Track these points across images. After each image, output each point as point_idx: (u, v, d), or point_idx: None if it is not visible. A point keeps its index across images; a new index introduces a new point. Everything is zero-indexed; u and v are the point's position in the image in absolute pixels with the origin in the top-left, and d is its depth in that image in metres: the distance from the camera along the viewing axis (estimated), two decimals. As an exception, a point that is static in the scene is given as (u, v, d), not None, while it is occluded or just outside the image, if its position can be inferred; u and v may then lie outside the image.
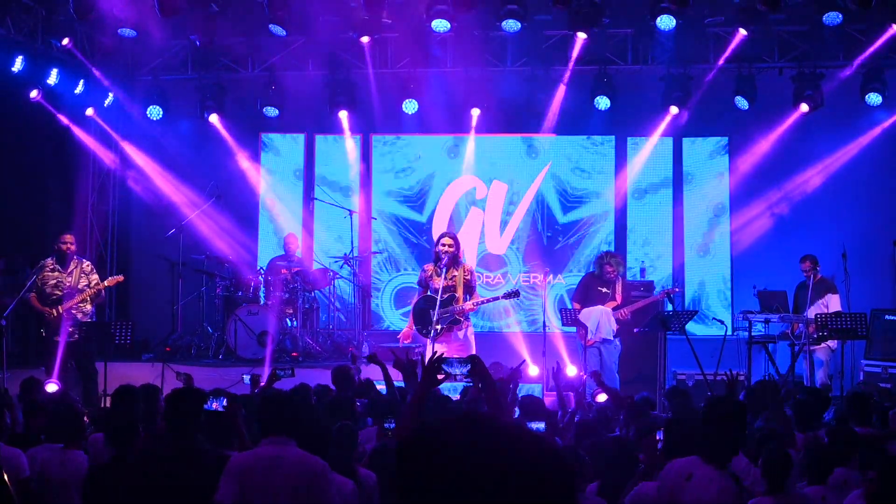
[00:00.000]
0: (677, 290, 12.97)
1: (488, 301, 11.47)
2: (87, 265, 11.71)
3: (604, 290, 12.41)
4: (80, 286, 11.42)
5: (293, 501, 5.12)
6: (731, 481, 5.07)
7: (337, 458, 5.81)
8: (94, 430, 7.27)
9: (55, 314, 11.21)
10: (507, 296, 11.44)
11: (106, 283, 11.72)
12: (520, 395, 8.90)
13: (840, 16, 12.69)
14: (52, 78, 13.54)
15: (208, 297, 14.47)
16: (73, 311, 11.30)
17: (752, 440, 6.46)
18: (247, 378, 10.56)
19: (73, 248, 11.55)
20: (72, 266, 11.49)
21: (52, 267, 11.42)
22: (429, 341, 11.02)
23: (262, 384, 9.86)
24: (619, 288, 12.48)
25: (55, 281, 11.36)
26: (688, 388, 11.10)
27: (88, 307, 11.53)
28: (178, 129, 15.70)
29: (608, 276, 12.42)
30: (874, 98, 13.88)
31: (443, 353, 5.28)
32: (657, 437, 6.10)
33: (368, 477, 5.99)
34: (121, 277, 12.11)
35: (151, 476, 5.36)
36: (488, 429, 1.99)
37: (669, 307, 12.46)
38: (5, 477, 5.74)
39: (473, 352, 11.23)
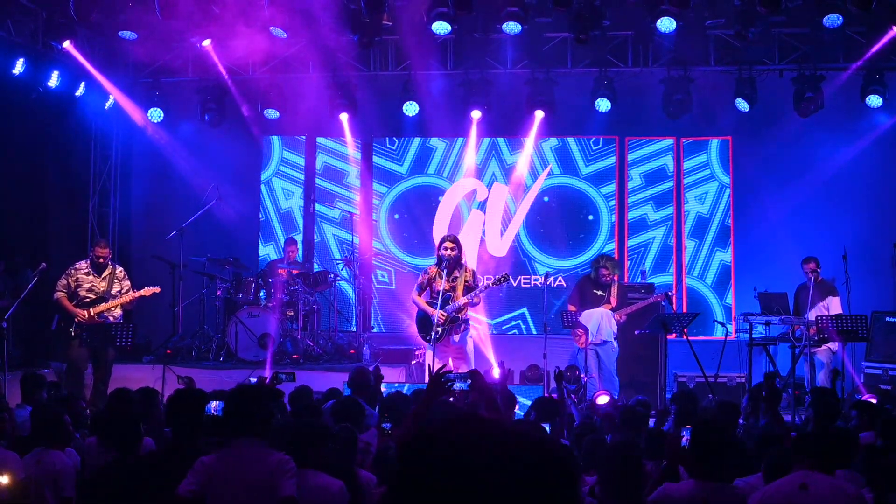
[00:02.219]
0: (671, 294, 12.95)
1: (481, 291, 11.42)
2: (121, 271, 12.06)
3: (599, 292, 12.42)
4: (113, 291, 11.75)
5: (253, 499, 5.13)
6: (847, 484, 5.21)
7: (335, 459, 5.81)
8: (90, 433, 7.28)
9: (87, 316, 11.44)
10: (497, 282, 11.46)
11: (142, 292, 11.89)
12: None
13: (840, 18, 12.69)
14: (53, 80, 13.54)
15: (209, 300, 14.46)
16: (106, 314, 11.64)
17: (751, 440, 6.47)
18: (253, 381, 10.55)
19: (106, 259, 11.88)
20: (106, 272, 11.80)
21: (86, 270, 11.73)
22: (428, 346, 11.12)
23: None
24: (614, 291, 12.49)
25: (89, 285, 11.68)
26: (691, 391, 11.05)
27: (118, 311, 11.86)
28: (179, 131, 15.72)
29: (604, 279, 12.43)
30: (874, 100, 13.88)
31: (445, 366, 5.29)
32: (682, 436, 6.12)
33: (369, 480, 5.98)
34: (157, 288, 12.20)
35: (152, 478, 5.36)
36: (490, 429, 1.99)
37: (669, 309, 12.47)
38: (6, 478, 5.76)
39: (471, 356, 11.31)
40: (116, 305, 11.72)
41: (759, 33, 13.35)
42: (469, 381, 5.41)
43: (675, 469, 5.68)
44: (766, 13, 12.74)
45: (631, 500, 5.42)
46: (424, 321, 11.24)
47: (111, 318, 11.68)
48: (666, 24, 13.03)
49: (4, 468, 6.01)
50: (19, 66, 13.00)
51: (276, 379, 8.70)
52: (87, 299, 11.62)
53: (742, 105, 14.19)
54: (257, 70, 15.01)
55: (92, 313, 11.52)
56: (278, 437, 5.51)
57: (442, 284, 10.99)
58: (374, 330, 15.34)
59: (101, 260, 11.79)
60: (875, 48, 13.49)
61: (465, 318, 11.32)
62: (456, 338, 11.20)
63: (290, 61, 14.73)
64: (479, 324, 13.49)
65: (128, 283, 12.02)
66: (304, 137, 16.10)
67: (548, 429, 7.31)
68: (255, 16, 13.39)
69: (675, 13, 12.85)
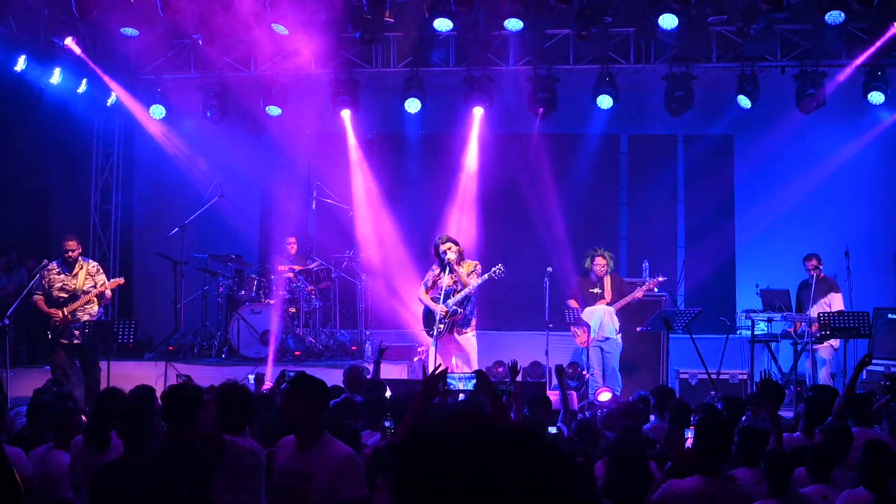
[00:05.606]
0: (662, 278, 12.88)
1: (476, 284, 11.41)
2: (94, 266, 11.69)
3: (595, 290, 12.42)
4: (86, 287, 11.43)
5: None
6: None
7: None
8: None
9: (61, 316, 11.25)
10: (493, 275, 11.40)
11: (108, 284, 11.69)
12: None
13: (842, 14, 12.67)
14: (55, 77, 13.54)
15: (211, 297, 14.48)
16: (79, 313, 11.34)
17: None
18: (251, 377, 10.56)
19: (75, 254, 11.51)
20: (77, 268, 11.47)
21: (57, 270, 11.41)
22: (431, 342, 11.19)
23: (267, 384, 9.88)
24: (607, 285, 12.47)
25: (61, 283, 11.37)
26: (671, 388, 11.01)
27: (95, 308, 11.55)
28: (181, 128, 15.72)
29: (599, 269, 12.39)
30: (876, 97, 13.85)
31: (440, 367, 5.27)
32: (684, 435, 6.12)
33: None
34: (121, 280, 12.16)
35: (150, 473, 5.36)
36: (484, 426, 1.98)
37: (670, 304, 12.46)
38: (17, 475, 5.75)
39: (475, 355, 11.34)
40: (87, 302, 11.38)
41: (761, 30, 13.34)
42: (473, 380, 5.40)
43: (680, 469, 5.68)
44: (769, 10, 12.72)
45: (637, 494, 5.43)
46: (429, 316, 11.41)
47: (87, 316, 11.36)
48: (668, 21, 13.03)
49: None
50: (21, 63, 13.00)
51: (282, 378, 8.68)
52: (61, 298, 11.31)
53: (744, 102, 14.17)
54: (259, 67, 15.01)
55: (66, 312, 11.25)
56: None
57: (445, 280, 11.13)
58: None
59: (70, 255, 11.40)
60: (877, 45, 13.47)
61: (468, 314, 11.35)
62: (459, 337, 11.26)
63: (292, 58, 14.71)
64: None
65: (102, 276, 11.63)
66: (305, 134, 16.07)
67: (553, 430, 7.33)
68: (258, 12, 13.39)
69: (678, 10, 12.84)
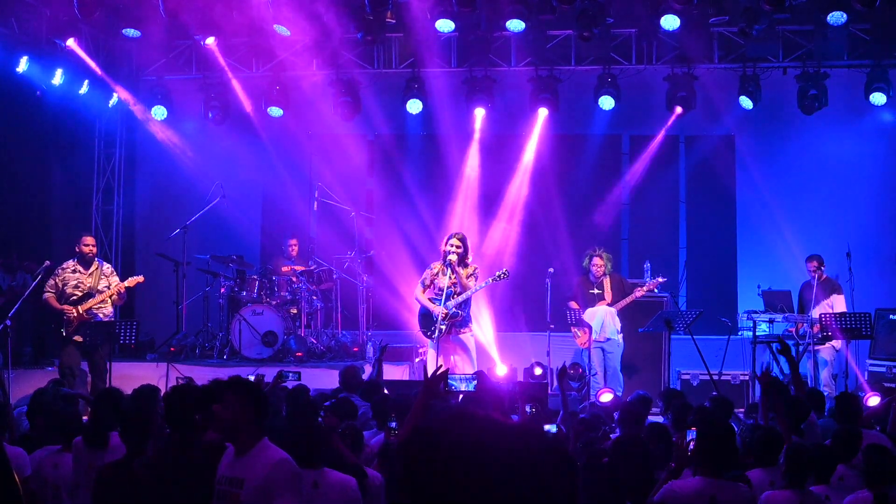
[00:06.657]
0: (663, 279, 12.86)
1: (480, 287, 11.39)
2: (108, 268, 11.89)
3: (595, 291, 12.42)
4: (99, 287, 11.55)
5: None
6: None
7: (343, 456, 5.84)
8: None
9: (76, 313, 11.32)
10: (497, 278, 11.35)
11: (126, 283, 11.80)
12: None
13: (844, 15, 12.69)
14: (57, 78, 13.54)
15: (213, 297, 14.45)
16: (95, 311, 11.44)
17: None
18: (251, 378, 10.54)
19: (94, 250, 11.70)
20: (93, 267, 11.61)
21: (73, 268, 11.53)
22: (430, 343, 11.15)
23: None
24: (607, 286, 12.47)
25: (76, 281, 11.49)
26: (680, 390, 11.02)
27: (109, 308, 11.66)
28: (183, 129, 15.72)
29: (597, 270, 12.39)
30: (878, 97, 13.85)
31: (441, 368, 5.25)
32: (687, 437, 6.13)
33: (375, 478, 6.00)
34: (141, 278, 12.17)
35: (153, 474, 5.36)
36: (486, 425, 1.99)
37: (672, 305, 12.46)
38: (16, 476, 5.74)
39: (474, 356, 11.32)
40: (104, 300, 11.49)
41: (763, 30, 13.34)
42: (474, 381, 5.39)
43: (682, 471, 5.69)
44: (771, 10, 12.73)
45: (640, 493, 5.44)
46: (427, 317, 11.28)
47: (101, 316, 11.45)
48: (670, 22, 13.05)
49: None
50: (23, 64, 13.01)
51: (280, 378, 8.68)
52: (75, 297, 11.40)
53: (746, 102, 14.17)
54: (261, 68, 15.02)
55: (81, 310, 11.34)
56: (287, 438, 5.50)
57: (444, 281, 11.02)
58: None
59: (88, 250, 11.53)
60: (879, 46, 13.47)
61: (467, 315, 11.32)
62: (462, 338, 11.23)
63: (294, 59, 14.72)
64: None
65: (115, 278, 11.78)
66: (307, 134, 16.06)
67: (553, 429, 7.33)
68: (259, 13, 13.40)
69: (679, 10, 12.86)
